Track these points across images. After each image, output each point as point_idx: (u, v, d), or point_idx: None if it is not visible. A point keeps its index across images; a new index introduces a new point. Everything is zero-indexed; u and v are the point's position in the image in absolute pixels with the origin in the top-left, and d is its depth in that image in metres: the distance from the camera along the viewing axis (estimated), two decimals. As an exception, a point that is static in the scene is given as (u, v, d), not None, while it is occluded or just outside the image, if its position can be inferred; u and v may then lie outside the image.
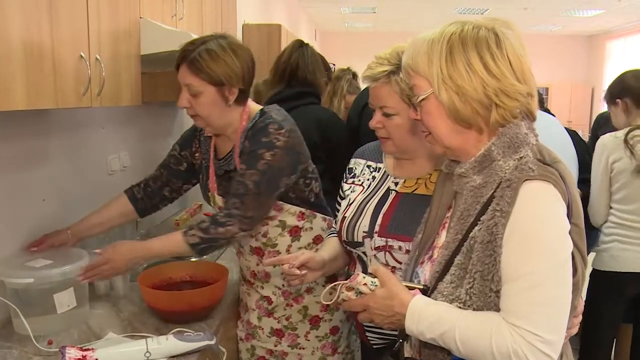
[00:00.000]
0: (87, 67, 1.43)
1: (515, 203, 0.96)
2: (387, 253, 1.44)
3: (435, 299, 1.06)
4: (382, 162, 1.58)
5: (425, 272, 1.16)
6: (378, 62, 1.43)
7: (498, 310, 0.98)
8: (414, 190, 1.47)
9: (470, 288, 1.01)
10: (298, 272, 1.38)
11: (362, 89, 2.48)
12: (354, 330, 1.88)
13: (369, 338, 1.56)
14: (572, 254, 0.98)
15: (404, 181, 1.50)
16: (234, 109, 1.64)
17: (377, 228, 1.45)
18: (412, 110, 1.15)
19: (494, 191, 1.01)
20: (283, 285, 1.75)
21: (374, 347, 1.57)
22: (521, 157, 1.02)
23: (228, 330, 1.85)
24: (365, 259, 1.52)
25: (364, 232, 1.48)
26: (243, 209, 1.57)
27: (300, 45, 2.51)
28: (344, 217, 1.54)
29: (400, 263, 1.42)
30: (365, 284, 1.10)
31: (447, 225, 1.15)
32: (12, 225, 1.65)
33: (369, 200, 1.52)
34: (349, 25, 11.06)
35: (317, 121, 2.39)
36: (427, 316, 1.02)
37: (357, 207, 1.52)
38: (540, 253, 0.95)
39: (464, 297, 1.01)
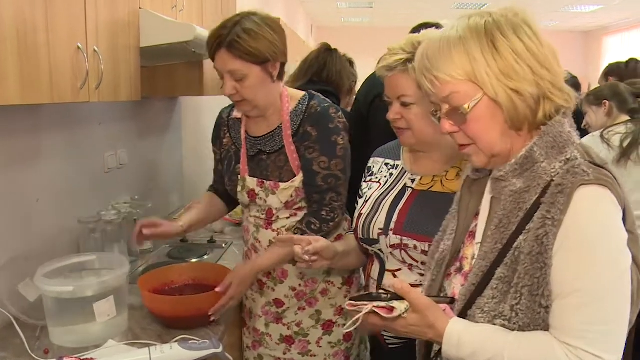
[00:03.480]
0: (84, 60, 1.35)
1: (568, 210, 0.87)
2: (402, 251, 1.41)
3: (474, 316, 0.96)
4: (399, 160, 1.55)
5: (454, 286, 1.06)
6: (392, 53, 1.38)
7: (546, 327, 0.90)
8: (430, 188, 1.43)
9: (517, 304, 0.91)
10: (308, 258, 1.35)
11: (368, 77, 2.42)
12: (363, 339, 1.82)
13: (385, 337, 1.50)
14: None
15: (420, 178, 1.46)
16: (277, 85, 1.60)
17: (392, 225, 1.42)
18: (444, 121, 0.99)
19: (539, 196, 0.91)
20: (300, 285, 1.68)
21: (390, 346, 1.51)
22: (568, 159, 0.92)
23: (232, 337, 1.77)
24: (382, 256, 1.48)
25: (379, 229, 1.44)
26: (341, 198, 1.63)
27: (328, 48, 2.55)
28: (360, 214, 1.51)
29: (417, 261, 1.39)
30: (400, 315, 0.97)
31: (475, 234, 1.06)
32: (2, 227, 1.56)
33: (385, 197, 1.48)
34: (346, 20, 10.97)
35: None
36: (469, 343, 0.93)
37: (373, 203, 1.49)
38: (598, 265, 0.86)
39: (509, 313, 0.92)
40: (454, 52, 0.92)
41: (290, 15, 7.68)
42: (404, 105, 1.39)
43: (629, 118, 2.46)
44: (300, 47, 5.57)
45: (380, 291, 1.02)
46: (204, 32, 1.70)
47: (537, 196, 0.92)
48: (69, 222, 1.85)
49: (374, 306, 0.97)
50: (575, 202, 0.86)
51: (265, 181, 1.63)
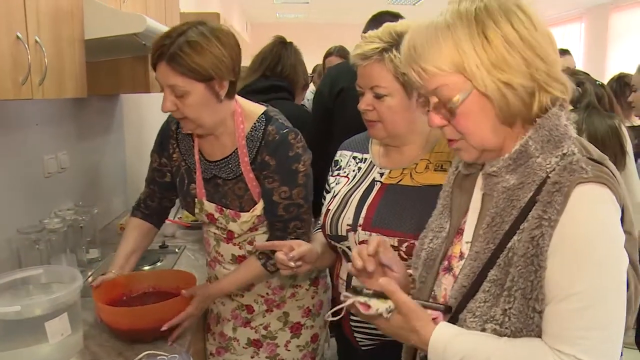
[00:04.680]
0: (25, 51, 1.21)
1: (565, 210, 0.81)
2: None
3: (465, 319, 0.91)
4: (368, 153, 1.50)
5: (445, 286, 1.00)
6: (369, 41, 1.33)
7: (540, 332, 0.84)
8: (399, 181, 1.39)
9: (510, 308, 0.85)
10: (293, 264, 1.28)
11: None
12: (327, 337, 1.77)
13: (357, 339, 1.45)
14: None
15: (389, 172, 1.42)
16: (226, 104, 1.44)
17: (361, 221, 1.37)
18: (433, 115, 0.92)
19: (534, 194, 0.86)
20: (267, 293, 1.61)
21: (363, 348, 1.46)
22: (565, 154, 0.86)
23: (195, 344, 1.67)
24: (350, 254, 1.42)
25: (347, 225, 1.40)
26: (306, 225, 1.53)
27: (282, 41, 2.44)
28: (327, 210, 1.46)
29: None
30: (380, 314, 0.93)
31: (463, 231, 1.00)
32: None
33: (353, 192, 1.43)
34: (281, 16, 10.87)
35: (287, 117, 2.28)
36: (456, 351, 0.87)
37: (341, 199, 1.44)
38: (594, 269, 0.80)
39: (501, 317, 0.86)
40: (442, 42, 0.85)
41: (226, 10, 7.50)
42: (377, 96, 1.34)
43: None
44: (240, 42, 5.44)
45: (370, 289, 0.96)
46: (155, 24, 1.58)
47: (531, 193, 0.86)
48: (6, 232, 1.68)
49: (355, 301, 0.94)
50: (572, 202, 0.81)
51: (224, 209, 1.53)
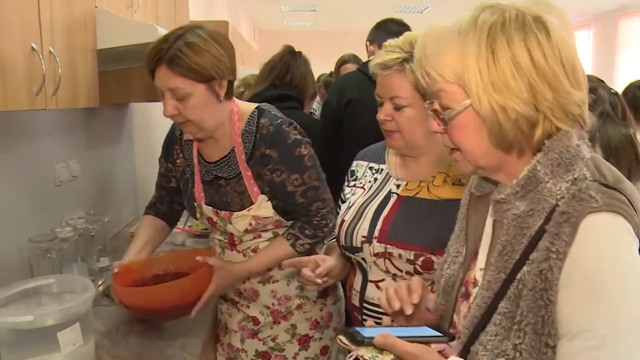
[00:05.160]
0: (40, 62, 1.21)
1: (574, 242, 0.75)
2: (386, 260, 1.35)
3: (477, 353, 0.86)
4: (384, 163, 1.49)
5: (463, 313, 0.96)
6: (389, 50, 1.32)
7: None
8: (415, 194, 1.38)
9: (520, 343, 0.80)
10: (320, 281, 1.26)
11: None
12: (342, 349, 1.76)
13: None
14: None
15: (405, 184, 1.40)
16: (225, 105, 1.46)
17: (376, 233, 1.36)
18: (434, 119, 0.90)
19: (544, 222, 0.80)
20: (273, 304, 1.60)
21: None
22: (576, 179, 0.80)
23: (207, 354, 1.66)
24: (365, 265, 1.42)
25: (362, 236, 1.38)
26: (327, 202, 1.54)
27: (292, 51, 2.45)
28: (343, 221, 1.44)
29: (401, 271, 1.33)
30: None
31: (477, 256, 0.96)
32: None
33: (369, 203, 1.42)
34: (288, 24, 10.91)
35: None
36: None
37: (357, 210, 1.43)
38: (608, 304, 0.73)
39: (512, 352, 0.81)
40: (449, 50, 0.82)
41: (234, 18, 7.55)
42: (396, 107, 1.33)
43: None
44: (246, 50, 5.47)
45: (366, 335, 0.88)
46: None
47: (541, 221, 0.81)
48: (18, 241, 1.68)
49: (358, 355, 0.87)
50: (581, 233, 0.75)
51: (219, 211, 1.53)
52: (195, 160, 1.56)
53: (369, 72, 2.28)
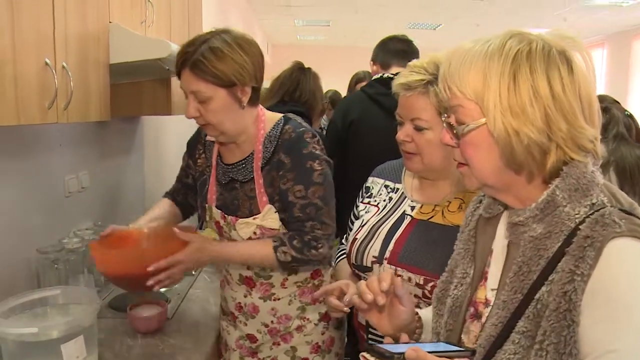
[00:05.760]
0: (53, 77, 1.23)
1: (597, 265, 0.78)
2: None
3: None
4: (400, 183, 1.47)
5: (474, 333, 0.97)
6: (413, 71, 1.31)
7: None
8: (430, 218, 1.36)
9: None
10: (347, 310, 1.25)
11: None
12: None
13: None
14: None
15: (420, 206, 1.39)
16: (248, 111, 1.47)
17: (387, 254, 1.35)
18: (446, 132, 0.92)
19: (562, 244, 0.83)
20: (272, 322, 1.59)
21: None
22: (594, 204, 0.83)
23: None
24: None
25: (373, 257, 1.37)
26: (325, 227, 1.47)
27: (301, 67, 2.46)
28: (355, 239, 1.43)
29: (410, 294, 1.31)
30: None
31: (487, 276, 0.98)
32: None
33: (382, 223, 1.41)
34: (302, 38, 11.00)
35: None
36: None
37: (369, 229, 1.42)
38: (632, 326, 0.75)
39: None
40: (473, 69, 0.85)
41: (247, 32, 7.61)
42: (417, 128, 1.31)
43: None
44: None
45: (395, 351, 0.86)
46: (178, 49, 1.60)
47: (559, 243, 0.84)
48: (26, 252, 1.70)
49: None
50: (605, 256, 0.78)
51: (227, 215, 1.53)
52: (214, 162, 1.58)
53: (372, 93, 2.28)
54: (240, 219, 1.49)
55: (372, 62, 2.56)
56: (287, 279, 1.57)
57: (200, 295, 1.94)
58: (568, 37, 0.86)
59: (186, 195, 1.74)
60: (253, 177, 1.49)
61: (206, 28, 3.33)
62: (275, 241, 1.46)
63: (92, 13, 1.46)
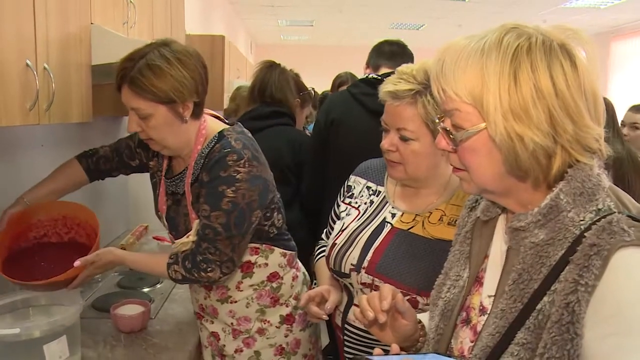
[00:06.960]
0: (34, 78, 1.24)
1: (603, 275, 0.73)
2: (373, 290, 1.33)
3: None
4: (382, 185, 1.46)
5: (461, 339, 0.94)
6: (402, 78, 1.28)
7: None
8: (409, 228, 1.36)
9: None
10: (326, 317, 1.27)
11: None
12: None
13: None
14: None
15: (401, 214, 1.38)
16: (192, 125, 1.45)
17: (365, 264, 1.35)
18: (441, 137, 0.86)
19: (566, 252, 0.78)
20: (232, 323, 1.59)
21: None
22: (600, 209, 0.78)
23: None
24: (351, 289, 1.43)
25: (352, 264, 1.37)
26: (218, 254, 1.43)
27: (269, 65, 2.44)
28: (334, 244, 1.44)
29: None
30: None
31: (482, 281, 0.93)
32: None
33: (362, 230, 1.41)
34: (286, 38, 11.01)
35: (289, 142, 2.33)
36: None
37: (349, 234, 1.42)
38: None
39: None
40: (469, 69, 0.78)
41: (231, 32, 7.61)
42: (403, 138, 1.30)
43: None
44: (242, 64, 5.51)
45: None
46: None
47: (563, 251, 0.78)
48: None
49: None
50: (612, 267, 0.73)
51: (170, 232, 1.56)
52: (163, 172, 1.58)
53: (356, 92, 2.28)
54: (177, 240, 1.50)
55: (365, 66, 2.59)
56: (241, 282, 1.56)
57: (183, 295, 1.95)
58: (569, 29, 0.80)
59: (114, 169, 1.71)
60: (184, 193, 1.50)
61: (189, 27, 3.32)
62: (171, 257, 1.48)
63: (73, 14, 1.46)
